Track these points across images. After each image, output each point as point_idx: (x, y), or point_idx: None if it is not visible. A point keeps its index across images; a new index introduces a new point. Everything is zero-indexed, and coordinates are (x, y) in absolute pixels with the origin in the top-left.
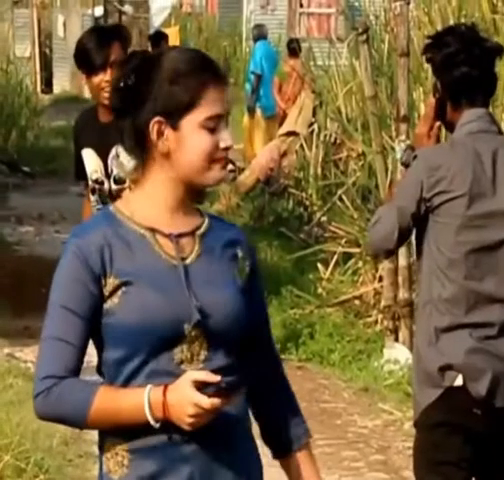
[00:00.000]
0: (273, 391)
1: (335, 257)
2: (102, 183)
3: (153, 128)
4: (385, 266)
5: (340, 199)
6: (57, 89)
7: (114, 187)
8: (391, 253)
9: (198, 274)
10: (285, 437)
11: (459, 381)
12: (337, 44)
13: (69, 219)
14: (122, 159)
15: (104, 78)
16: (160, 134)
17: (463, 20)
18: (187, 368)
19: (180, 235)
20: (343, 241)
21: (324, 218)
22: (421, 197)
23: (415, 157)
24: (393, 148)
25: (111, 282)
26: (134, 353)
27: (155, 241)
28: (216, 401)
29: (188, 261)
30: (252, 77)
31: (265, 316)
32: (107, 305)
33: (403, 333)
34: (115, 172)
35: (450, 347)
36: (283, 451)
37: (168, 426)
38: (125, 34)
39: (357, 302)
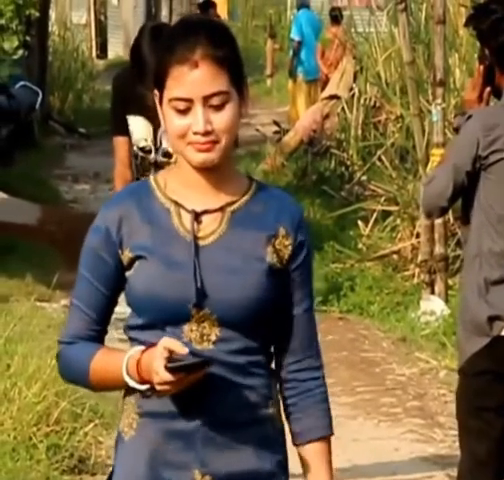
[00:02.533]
0: (299, 379)
1: (374, 214)
2: (149, 152)
3: (156, 100)
4: (422, 223)
5: (379, 159)
6: (111, 54)
7: (161, 159)
8: (445, 211)
9: (215, 254)
10: (301, 425)
11: None
12: (377, 12)
13: None
14: None
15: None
16: (160, 107)
17: None
18: (197, 347)
19: (205, 212)
20: (382, 199)
21: (364, 177)
22: (477, 155)
23: (469, 117)
24: (429, 111)
25: (126, 254)
26: (148, 323)
27: (178, 216)
28: (170, 377)
29: (208, 240)
30: (292, 44)
31: (303, 297)
32: (127, 273)
33: (439, 286)
34: (164, 145)
35: (499, 299)
36: (296, 438)
37: (176, 396)
38: None
39: (395, 257)
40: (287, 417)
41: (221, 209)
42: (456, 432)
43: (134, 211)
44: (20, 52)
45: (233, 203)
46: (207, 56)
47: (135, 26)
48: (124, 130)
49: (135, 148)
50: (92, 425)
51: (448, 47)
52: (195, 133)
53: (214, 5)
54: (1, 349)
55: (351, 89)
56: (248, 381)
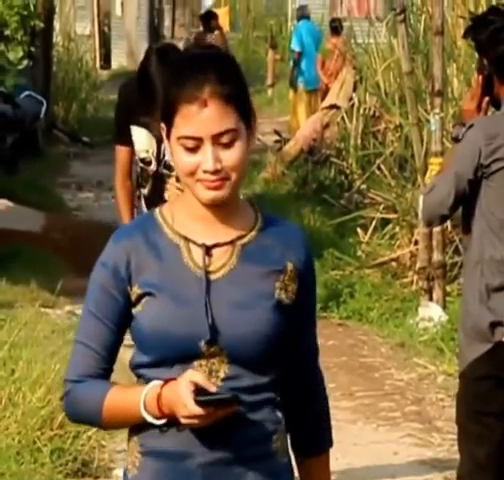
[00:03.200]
0: (305, 405)
1: (374, 222)
2: (149, 163)
3: (163, 134)
4: (420, 230)
5: (378, 168)
6: (115, 65)
7: (163, 171)
8: (445, 219)
9: (226, 289)
10: (301, 440)
11: None
12: (376, 23)
13: None
14: None
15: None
16: (167, 141)
17: (494, 1)
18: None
19: (215, 245)
20: (381, 207)
21: (363, 186)
22: (479, 164)
23: (471, 126)
24: (428, 120)
25: (135, 291)
26: (156, 361)
27: (187, 251)
28: (200, 411)
29: (219, 274)
30: (293, 54)
31: (308, 333)
32: (134, 310)
33: (437, 293)
34: (167, 158)
35: (501, 305)
36: (296, 452)
37: (177, 433)
38: None
39: (394, 264)
40: (287, 429)
41: (231, 242)
42: (454, 436)
43: (142, 247)
44: (25, 62)
45: (243, 236)
46: (216, 94)
47: (138, 37)
48: (126, 139)
49: (136, 158)
50: (95, 429)
51: (446, 58)
52: (205, 171)
53: (216, 16)
54: (6, 354)
55: (351, 99)
56: (254, 417)
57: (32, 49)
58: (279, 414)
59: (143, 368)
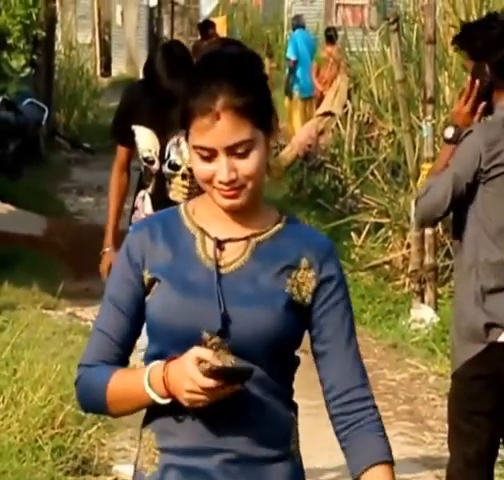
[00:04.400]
0: (349, 413)
1: (367, 226)
2: (152, 162)
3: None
4: (412, 234)
5: (372, 173)
6: (115, 73)
7: (167, 171)
8: (438, 220)
9: (232, 283)
10: (357, 456)
11: (503, 337)
12: (370, 32)
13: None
14: (183, 148)
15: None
16: (186, 144)
17: (485, 11)
18: None
19: (229, 240)
20: (374, 212)
21: (357, 191)
22: (478, 169)
23: (470, 132)
24: (420, 127)
25: (146, 275)
26: (161, 351)
27: (202, 243)
28: (210, 382)
29: (229, 268)
30: (289, 63)
31: (339, 341)
32: (147, 298)
33: (428, 295)
34: (172, 157)
35: (496, 307)
36: (355, 471)
37: (197, 428)
38: (191, 61)
39: (387, 267)
40: (344, 452)
41: (246, 238)
42: (445, 435)
43: (159, 233)
44: (27, 70)
45: (260, 234)
46: (229, 107)
47: (138, 45)
48: (124, 139)
49: (140, 158)
50: (95, 428)
51: (438, 66)
52: (220, 182)
53: (213, 25)
54: (8, 355)
55: (345, 106)
56: (268, 415)
57: (34, 57)
58: (294, 414)
59: (150, 359)
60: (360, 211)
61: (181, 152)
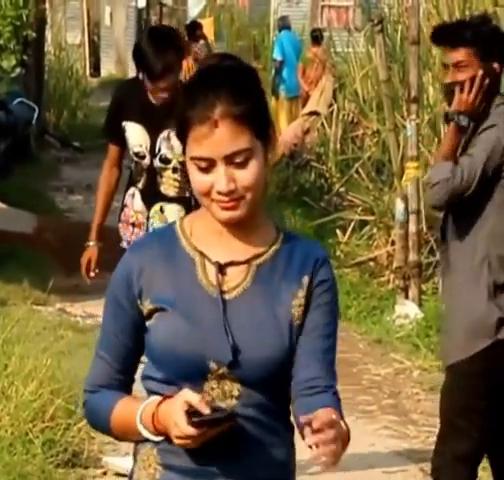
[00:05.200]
0: (310, 395)
1: (352, 224)
2: (143, 157)
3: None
4: (397, 232)
5: (357, 172)
6: (104, 73)
7: (158, 165)
8: (458, 201)
9: (237, 310)
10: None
11: None
12: (355, 33)
13: None
14: (173, 142)
15: (159, 85)
16: (183, 156)
17: (467, 12)
18: (221, 404)
19: (230, 263)
20: (359, 209)
21: (342, 189)
22: (502, 162)
23: (492, 126)
24: (404, 126)
25: (146, 306)
26: (166, 378)
27: (202, 267)
28: (192, 431)
29: (232, 294)
30: (275, 63)
31: (323, 353)
32: (148, 323)
33: (413, 291)
34: (163, 151)
35: None
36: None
37: (199, 454)
38: (178, 43)
39: (371, 264)
40: (295, 418)
41: (247, 262)
42: (429, 428)
43: (157, 259)
44: (18, 70)
45: (260, 255)
46: (227, 114)
47: (126, 46)
48: (115, 137)
49: (130, 153)
50: (85, 421)
51: (422, 66)
52: (218, 193)
53: (200, 26)
54: None
55: (330, 105)
56: (270, 438)
57: (25, 58)
58: (292, 436)
59: (153, 382)
60: (345, 209)
61: (172, 146)
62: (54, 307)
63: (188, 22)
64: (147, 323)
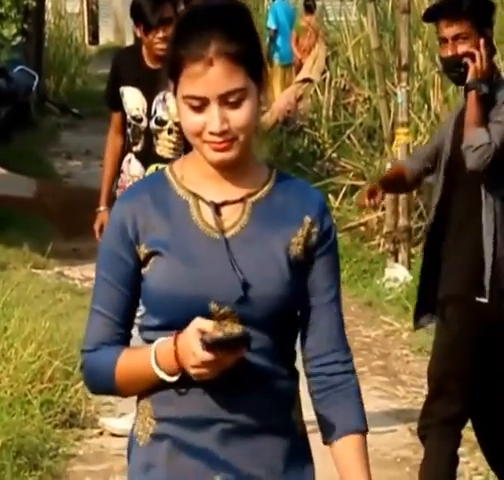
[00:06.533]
0: (327, 373)
1: (344, 189)
2: (140, 120)
3: (171, 89)
4: (387, 197)
5: (348, 138)
6: (102, 41)
7: (154, 127)
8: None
9: (236, 248)
10: (331, 422)
11: None
12: (347, 2)
13: None
14: (169, 104)
15: (157, 35)
16: (174, 97)
17: None
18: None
19: (225, 203)
20: (351, 175)
21: (334, 154)
22: None
23: None
24: (395, 93)
25: (142, 250)
26: (165, 324)
27: (196, 208)
28: (208, 355)
29: (230, 233)
30: (269, 32)
31: (328, 289)
32: (143, 270)
33: (402, 255)
34: (159, 113)
35: None
36: (326, 437)
37: (196, 398)
38: None
39: (362, 228)
40: (316, 414)
41: (242, 200)
42: (417, 389)
43: (149, 204)
44: (18, 39)
45: (254, 194)
46: (222, 52)
47: (124, 14)
48: (116, 104)
49: (128, 117)
50: (82, 383)
51: (412, 34)
52: (211, 133)
53: None
54: None
55: (323, 73)
56: (272, 383)
57: (25, 26)
58: (295, 383)
59: (151, 331)
60: (337, 174)
61: (167, 108)
62: (53, 270)
63: None
64: (143, 270)
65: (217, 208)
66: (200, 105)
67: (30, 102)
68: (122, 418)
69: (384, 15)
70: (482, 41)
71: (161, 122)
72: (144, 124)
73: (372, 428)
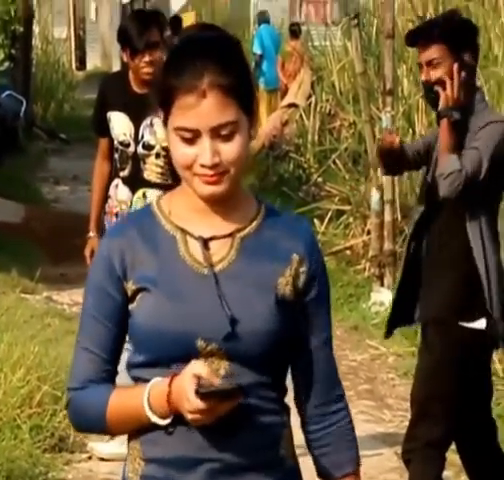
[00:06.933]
0: (322, 414)
1: (329, 213)
2: (127, 145)
3: (161, 118)
4: (372, 221)
5: (334, 162)
6: (90, 66)
7: (141, 151)
8: (468, 188)
9: (224, 285)
10: (326, 461)
11: None
12: (332, 27)
13: None
14: (156, 128)
15: (143, 59)
16: (164, 128)
17: (441, 7)
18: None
19: (213, 238)
20: (336, 199)
21: (320, 179)
22: None
23: (496, 121)
24: (380, 118)
25: (130, 287)
26: (152, 361)
27: (184, 244)
28: (202, 405)
29: (218, 267)
30: (255, 57)
31: (321, 331)
32: (130, 306)
33: (388, 279)
34: (146, 138)
35: None
36: (322, 476)
37: (182, 439)
38: (162, 19)
39: (348, 252)
40: (311, 452)
41: (230, 235)
42: (403, 413)
43: (137, 240)
44: (6, 64)
45: (243, 229)
46: (215, 84)
47: (111, 39)
48: (103, 130)
49: (116, 142)
50: None
51: (397, 59)
52: (202, 166)
53: (180, 21)
54: None
55: (308, 98)
56: (260, 420)
57: (13, 52)
58: (285, 417)
59: (139, 369)
60: (323, 198)
61: (155, 132)
62: (41, 295)
63: (171, 16)
64: (130, 306)
65: (205, 243)
66: (192, 137)
67: (18, 127)
68: (110, 442)
69: (368, 40)
70: (456, 66)
71: (149, 147)
72: (132, 149)
73: (359, 452)
